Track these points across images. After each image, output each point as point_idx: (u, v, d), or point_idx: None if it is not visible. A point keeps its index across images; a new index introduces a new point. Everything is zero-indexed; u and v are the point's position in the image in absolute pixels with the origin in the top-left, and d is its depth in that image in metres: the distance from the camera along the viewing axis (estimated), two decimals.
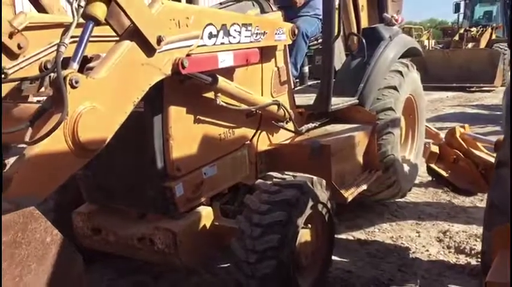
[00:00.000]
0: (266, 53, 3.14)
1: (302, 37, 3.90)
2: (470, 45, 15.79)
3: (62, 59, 1.81)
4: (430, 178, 4.77)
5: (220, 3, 3.59)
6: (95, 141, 1.91)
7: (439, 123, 8.04)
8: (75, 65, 1.86)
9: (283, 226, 2.47)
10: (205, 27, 2.49)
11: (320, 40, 4.38)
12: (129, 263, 3.14)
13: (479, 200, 4.31)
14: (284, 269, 2.47)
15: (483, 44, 15.68)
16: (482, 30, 16.02)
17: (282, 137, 3.42)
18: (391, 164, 3.93)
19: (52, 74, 1.83)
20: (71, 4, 1.88)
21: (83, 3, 1.90)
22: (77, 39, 1.92)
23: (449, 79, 13.63)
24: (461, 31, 16.28)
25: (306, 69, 4.43)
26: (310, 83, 4.43)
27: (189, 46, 2.38)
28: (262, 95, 3.18)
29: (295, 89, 3.80)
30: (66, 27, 2.03)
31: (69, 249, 1.58)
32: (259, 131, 3.22)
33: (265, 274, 2.42)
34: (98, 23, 1.96)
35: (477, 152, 3.70)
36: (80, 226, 2.83)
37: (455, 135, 3.82)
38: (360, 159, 3.68)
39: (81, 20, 1.95)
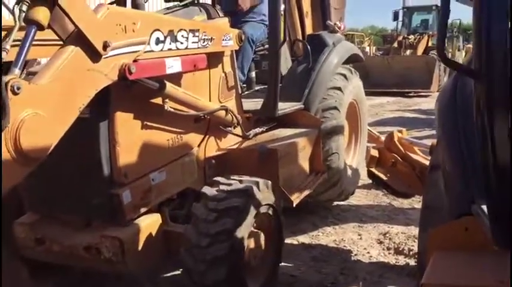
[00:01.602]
0: (213, 59, 3.15)
1: (248, 42, 3.94)
2: (408, 52, 16.50)
3: (1, 64, 1.75)
4: (369, 181, 4.94)
5: (167, 8, 3.57)
6: (37, 149, 1.85)
7: (380, 128, 8.34)
8: (17, 71, 1.80)
9: (231, 234, 2.48)
10: (152, 33, 2.48)
11: (266, 46, 4.46)
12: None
13: (417, 202, 4.50)
14: (235, 274, 2.49)
15: (420, 51, 16.42)
16: (419, 38, 16.78)
17: (230, 142, 3.44)
18: (335, 164, 4.04)
19: None
20: (12, 10, 1.82)
21: (24, 8, 1.84)
22: (19, 43, 1.86)
23: (389, 85, 14.18)
24: (400, 38, 16.97)
25: (253, 74, 4.48)
26: (257, 87, 4.49)
27: (136, 52, 2.36)
28: (210, 101, 3.19)
29: (243, 94, 3.84)
30: (7, 31, 1.97)
31: (13, 263, 1.53)
32: (207, 136, 3.22)
33: (216, 281, 2.43)
34: (40, 27, 1.90)
35: (414, 156, 3.88)
36: (22, 237, 2.72)
37: (394, 140, 3.98)
38: (306, 162, 3.77)
39: (23, 25, 1.89)
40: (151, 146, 2.73)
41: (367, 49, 22.58)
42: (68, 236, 2.65)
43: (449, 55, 17.14)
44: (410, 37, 16.96)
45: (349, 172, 4.31)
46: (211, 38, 3.01)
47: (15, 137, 1.77)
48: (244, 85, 4.30)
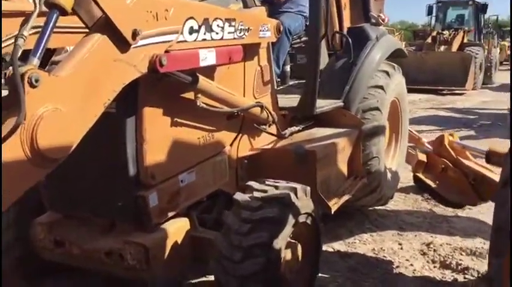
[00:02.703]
0: (249, 51, 2.91)
1: (285, 34, 3.68)
2: (442, 48, 15.92)
3: (20, 53, 1.54)
4: (410, 184, 4.65)
5: None
6: (57, 149, 1.64)
7: (414, 126, 7.97)
8: (36, 61, 1.59)
9: (267, 247, 2.24)
10: (185, 21, 2.24)
11: (303, 38, 4.20)
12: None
13: (462, 210, 4.19)
14: None
15: (455, 47, 15.82)
16: (455, 34, 16.17)
17: (264, 141, 3.20)
18: (375, 168, 3.77)
19: (9, 70, 1.55)
20: None
21: None
22: (39, 30, 1.65)
23: (422, 81, 13.66)
24: (434, 34, 16.40)
25: (288, 68, 4.23)
26: (291, 82, 4.24)
27: (167, 41, 2.12)
28: (244, 96, 2.95)
29: (277, 89, 3.59)
30: (27, 16, 1.76)
31: None
32: (240, 135, 2.99)
33: None
34: (63, 12, 1.69)
35: (467, 162, 3.56)
36: (41, 238, 2.54)
37: (444, 144, 3.66)
38: (345, 165, 3.50)
39: (45, 9, 1.68)
40: (181, 145, 2.51)
41: None
42: (89, 239, 2.47)
43: (485, 52, 16.52)
44: (444, 32, 16.36)
45: (389, 175, 4.03)
46: (248, 28, 2.76)
47: (31, 135, 1.56)
48: (279, 79, 4.06)
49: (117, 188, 2.33)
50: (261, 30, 2.92)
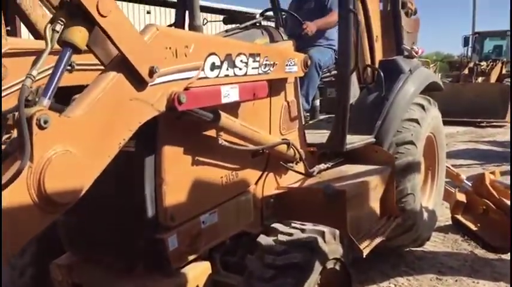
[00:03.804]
0: (275, 86, 2.82)
1: (315, 68, 3.60)
2: (480, 79, 15.54)
3: (28, 94, 1.49)
4: (448, 222, 4.39)
5: (226, 31, 3.29)
6: (66, 193, 1.56)
7: (452, 161, 7.70)
8: (46, 101, 1.54)
9: None
10: (207, 57, 2.16)
11: (333, 72, 4.10)
12: None
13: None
14: None
15: (493, 78, 15.43)
16: (493, 65, 15.79)
17: (291, 179, 3.06)
18: (410, 205, 3.57)
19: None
20: (44, 30, 1.55)
21: (58, 28, 1.58)
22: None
23: (460, 113, 13.28)
24: (471, 65, 16.05)
25: (317, 102, 4.14)
26: (321, 117, 4.13)
27: (187, 78, 2.04)
28: (270, 133, 2.84)
29: (306, 124, 3.47)
30: (54, 52, 1.73)
31: None
32: (265, 173, 2.87)
33: None
34: (77, 50, 1.63)
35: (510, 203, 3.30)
36: (59, 280, 2.46)
37: (485, 183, 3.41)
38: (377, 204, 3.32)
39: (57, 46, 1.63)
40: (203, 184, 2.40)
41: None
42: (107, 283, 2.36)
43: None
44: (482, 64, 15.99)
45: (425, 214, 3.80)
46: (274, 63, 2.67)
47: (39, 179, 1.48)
48: (308, 114, 3.95)
49: (135, 229, 2.23)
50: (287, 65, 2.82)
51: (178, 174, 2.26)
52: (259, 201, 2.83)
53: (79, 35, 1.62)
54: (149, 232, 2.21)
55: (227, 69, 2.29)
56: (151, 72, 1.82)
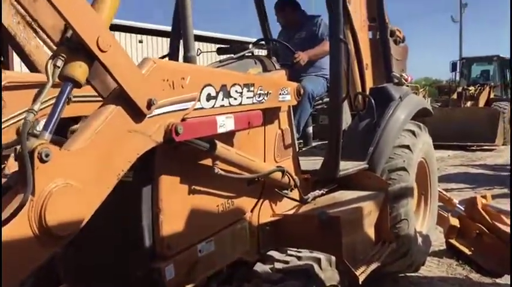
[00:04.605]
0: (269, 115, 2.87)
1: (308, 98, 3.67)
2: (469, 103, 15.78)
3: (29, 129, 1.52)
4: (443, 247, 4.41)
5: (220, 61, 3.37)
6: (66, 226, 1.58)
7: (444, 184, 7.74)
8: (47, 135, 1.57)
9: None
10: (203, 88, 2.21)
11: (325, 100, 4.18)
12: None
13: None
14: None
15: (482, 102, 15.69)
16: (481, 89, 16.07)
17: (287, 205, 3.08)
18: (404, 231, 3.59)
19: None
20: (45, 66, 1.60)
21: (59, 63, 1.62)
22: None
23: (450, 137, 13.45)
24: (460, 90, 16.32)
25: (310, 129, 4.19)
26: (314, 144, 4.18)
27: (184, 109, 2.09)
28: (264, 160, 2.88)
29: (300, 151, 3.52)
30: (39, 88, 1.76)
31: None
32: (261, 200, 2.89)
33: None
34: (77, 85, 1.68)
35: (503, 227, 3.34)
36: None
37: (477, 207, 3.46)
38: (372, 230, 3.34)
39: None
40: (199, 213, 2.42)
41: None
42: None
43: None
44: (470, 88, 16.27)
45: (420, 239, 3.83)
46: (268, 92, 2.73)
47: (40, 212, 1.51)
48: (301, 141, 4.00)
49: (132, 259, 2.24)
50: (280, 94, 2.88)
51: (175, 203, 2.28)
52: (255, 229, 2.84)
53: (79, 70, 1.66)
54: (146, 261, 2.21)
55: (222, 99, 2.35)
56: (149, 104, 1.86)
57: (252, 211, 2.83)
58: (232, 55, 3.38)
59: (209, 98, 2.25)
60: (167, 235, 2.24)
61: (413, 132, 3.87)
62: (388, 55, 4.37)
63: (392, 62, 4.46)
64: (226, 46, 3.84)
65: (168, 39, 4.50)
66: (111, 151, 1.74)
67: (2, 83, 2.34)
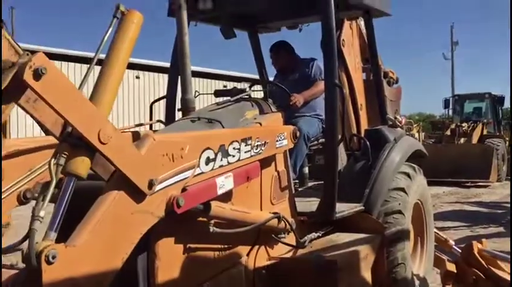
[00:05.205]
0: (266, 162, 2.88)
1: (303, 140, 3.69)
2: (462, 140, 15.91)
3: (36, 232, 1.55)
4: None
5: (217, 104, 3.40)
6: None
7: (440, 223, 7.72)
8: (53, 235, 1.59)
9: None
10: (201, 153, 2.22)
11: (320, 140, 4.20)
12: None
13: None
14: None
15: (475, 139, 15.82)
16: (473, 126, 16.24)
17: (283, 249, 3.06)
18: (401, 275, 3.56)
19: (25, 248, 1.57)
20: (48, 165, 1.64)
21: (62, 161, 1.66)
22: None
23: (444, 174, 13.48)
24: (453, 126, 16.48)
25: (306, 169, 4.19)
26: (310, 184, 4.18)
27: (184, 179, 2.09)
28: (261, 205, 2.88)
29: (296, 192, 3.51)
30: (47, 147, 1.78)
31: None
32: (257, 245, 2.87)
33: None
34: (80, 178, 1.72)
35: (500, 273, 3.32)
36: None
37: (473, 253, 3.44)
38: (369, 274, 3.30)
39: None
40: (195, 259, 2.41)
41: (416, 136, 22.07)
42: None
43: (507, 143, 16.38)
44: (463, 125, 16.44)
45: (417, 283, 3.79)
46: (265, 142, 2.74)
47: None
48: (297, 181, 4.00)
49: None
50: (277, 141, 2.90)
51: (169, 256, 2.26)
52: (251, 272, 2.81)
53: (82, 165, 1.70)
54: None
55: (221, 159, 2.34)
56: (151, 185, 1.88)
57: (248, 254, 2.81)
58: (230, 98, 3.41)
59: (208, 161, 2.26)
60: (162, 281, 2.21)
61: (408, 175, 3.88)
62: (382, 97, 4.44)
63: (386, 103, 4.53)
64: (223, 89, 3.89)
65: (166, 75, 4.55)
66: (115, 236, 1.77)
67: (3, 153, 2.39)
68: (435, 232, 4.31)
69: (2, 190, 2.40)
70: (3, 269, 1.82)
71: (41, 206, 1.60)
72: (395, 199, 3.65)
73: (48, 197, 1.62)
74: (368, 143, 3.71)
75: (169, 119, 3.92)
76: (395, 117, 4.22)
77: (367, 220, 3.47)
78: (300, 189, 3.98)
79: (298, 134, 3.12)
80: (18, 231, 1.91)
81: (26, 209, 1.95)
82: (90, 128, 1.68)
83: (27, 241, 1.57)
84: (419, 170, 4.10)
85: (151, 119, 3.85)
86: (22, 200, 2.46)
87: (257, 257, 2.86)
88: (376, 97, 4.42)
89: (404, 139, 4.06)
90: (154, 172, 1.91)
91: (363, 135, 4.00)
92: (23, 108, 1.67)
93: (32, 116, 1.73)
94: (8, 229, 3.69)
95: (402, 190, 3.72)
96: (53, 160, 1.67)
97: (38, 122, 1.81)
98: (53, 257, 1.53)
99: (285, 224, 2.92)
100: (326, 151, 3.42)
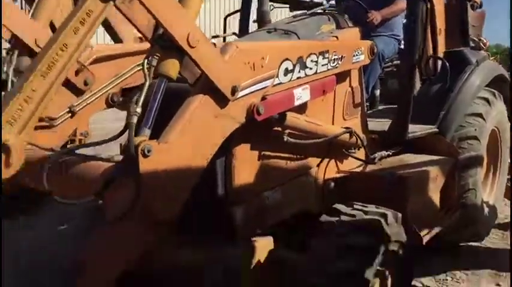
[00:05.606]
0: (342, 75, 2.85)
1: (378, 58, 3.59)
2: None
3: (135, 125, 1.67)
4: (507, 220, 4.28)
5: (294, 17, 3.35)
6: (169, 211, 1.80)
7: None
8: (147, 131, 1.72)
9: (354, 276, 2.14)
10: (281, 64, 2.26)
11: (395, 62, 4.08)
12: None
13: None
14: None
15: None
16: None
17: (352, 164, 3.09)
18: (471, 201, 3.52)
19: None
20: (142, 65, 1.73)
21: (154, 63, 1.74)
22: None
23: None
24: None
25: (378, 92, 4.12)
26: (381, 107, 4.11)
27: (264, 88, 2.17)
28: (333, 119, 2.89)
29: (367, 112, 3.48)
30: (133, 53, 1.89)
31: None
32: (327, 159, 2.91)
33: None
34: (170, 80, 1.81)
35: None
36: None
37: None
38: (438, 196, 3.28)
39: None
40: (267, 166, 2.50)
41: None
42: (179, 253, 2.47)
43: None
44: None
45: (486, 210, 3.74)
46: (342, 56, 2.72)
47: (145, 205, 1.68)
48: (367, 103, 3.94)
49: (207, 205, 2.33)
50: (354, 55, 2.85)
51: (245, 158, 2.36)
52: (321, 183, 2.88)
53: (173, 67, 1.79)
54: (217, 205, 2.31)
55: (299, 71, 2.38)
56: (234, 91, 1.97)
57: (318, 166, 2.86)
58: (306, 11, 3.35)
59: (286, 72, 2.30)
60: (238, 181, 2.32)
61: (487, 100, 3.72)
62: (465, 19, 4.18)
63: (469, 26, 4.27)
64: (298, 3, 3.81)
65: None
66: (201, 137, 1.89)
67: (92, 59, 2.53)
68: (510, 162, 4.17)
69: (93, 92, 2.58)
70: (99, 162, 1.98)
71: (137, 102, 1.71)
72: (472, 125, 3.53)
73: (143, 96, 1.72)
74: (447, 65, 3.56)
75: (243, 31, 3.92)
76: (480, 39, 3.98)
77: (441, 143, 3.40)
78: (369, 111, 3.93)
79: (375, 49, 3.04)
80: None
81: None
82: (180, 30, 1.76)
83: (125, 134, 1.73)
84: (499, 95, 3.90)
85: (225, 31, 3.87)
86: (110, 103, 2.64)
87: (327, 170, 2.91)
88: (456, 21, 4.18)
89: (487, 63, 3.86)
90: (237, 79, 1.99)
91: None
92: (118, 8, 1.74)
93: (125, 16, 1.80)
94: (88, 138, 3.94)
95: (480, 115, 3.59)
96: (146, 61, 1.76)
97: (132, 24, 1.89)
98: (148, 151, 1.65)
99: (356, 140, 2.93)
100: (402, 70, 3.33)
